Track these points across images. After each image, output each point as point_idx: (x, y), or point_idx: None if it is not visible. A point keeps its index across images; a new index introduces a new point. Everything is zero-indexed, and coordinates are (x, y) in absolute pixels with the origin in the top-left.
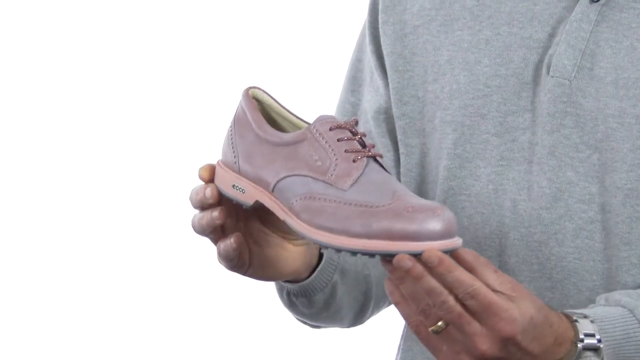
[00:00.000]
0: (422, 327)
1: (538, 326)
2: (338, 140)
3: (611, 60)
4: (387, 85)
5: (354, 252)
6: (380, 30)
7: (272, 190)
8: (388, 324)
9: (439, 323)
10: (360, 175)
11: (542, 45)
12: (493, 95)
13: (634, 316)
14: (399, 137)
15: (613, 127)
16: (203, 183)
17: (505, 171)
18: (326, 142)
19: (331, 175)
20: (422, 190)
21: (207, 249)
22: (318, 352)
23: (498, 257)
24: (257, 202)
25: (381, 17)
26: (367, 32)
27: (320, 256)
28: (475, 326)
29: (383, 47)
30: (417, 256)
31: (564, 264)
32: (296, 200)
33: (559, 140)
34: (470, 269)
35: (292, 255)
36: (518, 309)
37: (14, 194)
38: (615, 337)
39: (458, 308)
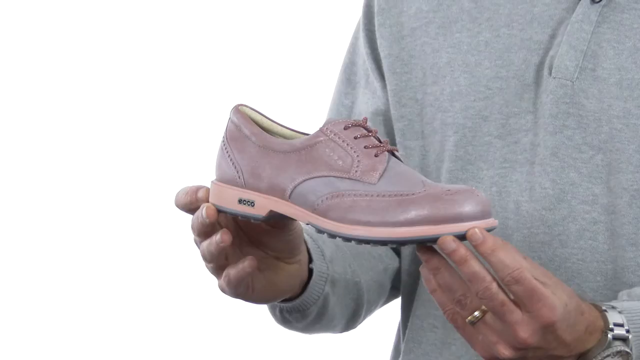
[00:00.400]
0: (457, 316)
1: (572, 314)
2: (355, 138)
3: (614, 61)
4: (384, 87)
5: (398, 242)
6: (377, 33)
7: (289, 197)
8: (382, 324)
9: (475, 313)
10: (386, 168)
11: (542, 47)
12: (495, 97)
13: None
14: (397, 139)
15: (618, 128)
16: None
17: (508, 173)
18: (343, 140)
19: (355, 171)
20: None
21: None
22: (313, 352)
23: None
24: (270, 212)
25: (377, 20)
26: (361, 34)
27: (311, 270)
28: (517, 314)
29: (380, 50)
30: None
31: (568, 265)
32: (321, 201)
33: (562, 142)
34: None
35: (288, 274)
36: (555, 295)
37: (14, 195)
38: None
39: (501, 295)
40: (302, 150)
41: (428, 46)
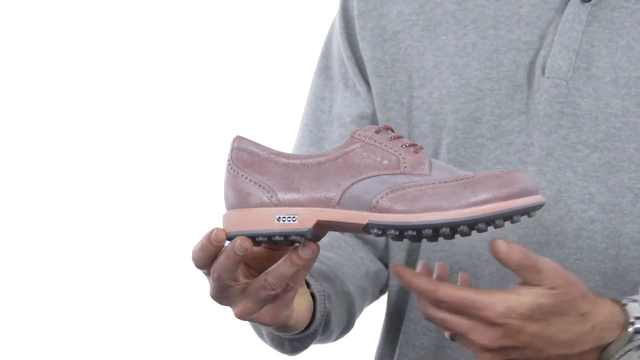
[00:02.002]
0: None
1: (556, 314)
2: (389, 139)
3: (608, 59)
4: (369, 90)
5: (471, 222)
6: (358, 36)
7: (338, 203)
8: (365, 328)
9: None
10: (430, 161)
11: (532, 47)
12: (486, 98)
13: None
14: None
15: (617, 127)
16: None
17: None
18: (380, 143)
19: (405, 167)
20: None
21: None
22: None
23: (496, 261)
24: (318, 222)
25: (358, 23)
26: (340, 38)
27: (312, 295)
28: (464, 324)
29: (362, 53)
30: None
31: (566, 265)
32: (380, 197)
33: (557, 141)
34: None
35: (298, 302)
36: (504, 298)
37: (14, 195)
38: None
39: (439, 314)
40: (339, 158)
41: (412, 49)
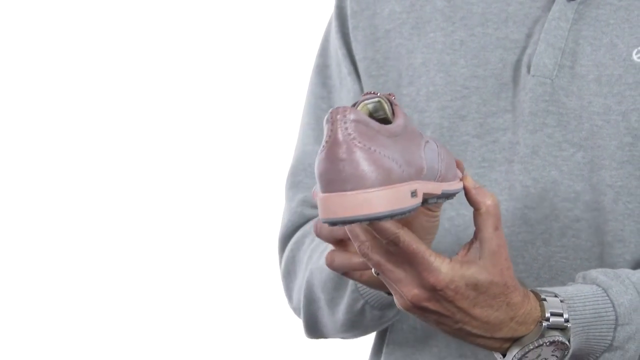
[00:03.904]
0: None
1: (487, 295)
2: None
3: (592, 57)
4: (362, 89)
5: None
6: (351, 36)
7: (424, 174)
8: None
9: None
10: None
11: (519, 46)
12: (472, 96)
13: (607, 295)
14: None
15: (599, 125)
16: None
17: (487, 172)
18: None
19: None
20: None
21: (205, 250)
22: (292, 353)
23: None
24: (424, 195)
25: (351, 23)
26: (336, 37)
27: None
28: (398, 274)
29: (355, 52)
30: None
31: (552, 264)
32: (439, 165)
33: (542, 140)
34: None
35: None
36: (451, 268)
37: (14, 195)
38: (586, 316)
39: (376, 257)
40: (408, 126)
41: (402, 47)
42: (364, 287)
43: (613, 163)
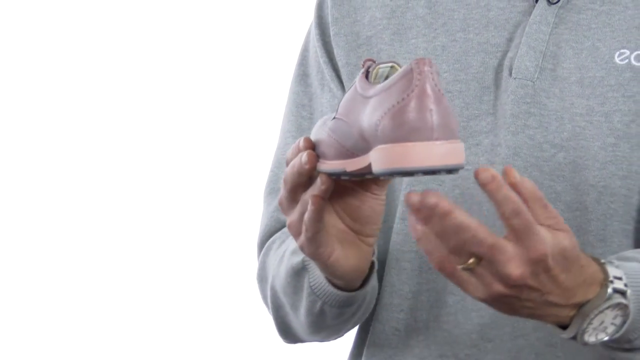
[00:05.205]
0: (447, 263)
1: (570, 260)
2: None
3: (574, 60)
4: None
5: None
6: (333, 43)
7: None
8: None
9: (470, 261)
10: None
11: (500, 49)
12: (455, 100)
13: None
14: None
15: (581, 126)
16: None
17: (470, 175)
18: None
19: None
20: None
21: (205, 250)
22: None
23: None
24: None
25: (332, 30)
26: (317, 45)
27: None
28: (508, 250)
29: (337, 59)
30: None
31: None
32: None
33: (524, 141)
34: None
35: (363, 254)
36: (551, 237)
37: (14, 195)
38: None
39: (490, 239)
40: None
41: (384, 53)
42: (319, 287)
43: (596, 163)
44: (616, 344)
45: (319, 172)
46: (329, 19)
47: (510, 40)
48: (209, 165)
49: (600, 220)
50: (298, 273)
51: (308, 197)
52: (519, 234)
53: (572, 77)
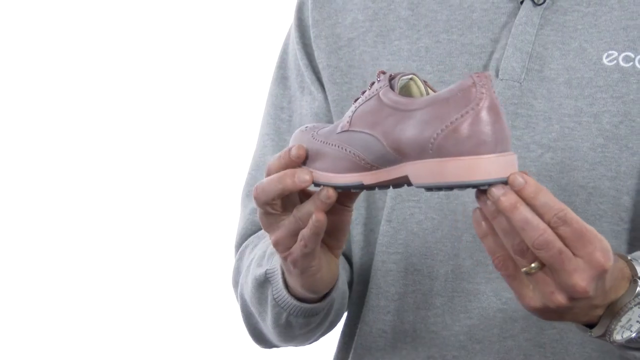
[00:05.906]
0: (509, 263)
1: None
2: None
3: (561, 61)
4: (326, 98)
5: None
6: (313, 45)
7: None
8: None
9: (533, 265)
10: None
11: (485, 51)
12: None
13: None
14: None
15: (570, 127)
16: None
17: None
18: None
19: None
20: (369, 197)
21: (205, 250)
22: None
23: (451, 261)
24: None
25: (313, 32)
26: (297, 47)
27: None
28: (576, 261)
29: (318, 61)
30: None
31: None
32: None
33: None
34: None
35: (332, 267)
36: (603, 237)
37: (14, 195)
38: None
39: (558, 243)
40: None
41: (367, 55)
42: (282, 299)
43: (585, 164)
44: (634, 344)
45: (322, 185)
46: (310, 21)
47: (495, 41)
48: (208, 165)
49: (589, 221)
50: (262, 285)
51: (303, 213)
52: (574, 243)
53: (559, 78)
